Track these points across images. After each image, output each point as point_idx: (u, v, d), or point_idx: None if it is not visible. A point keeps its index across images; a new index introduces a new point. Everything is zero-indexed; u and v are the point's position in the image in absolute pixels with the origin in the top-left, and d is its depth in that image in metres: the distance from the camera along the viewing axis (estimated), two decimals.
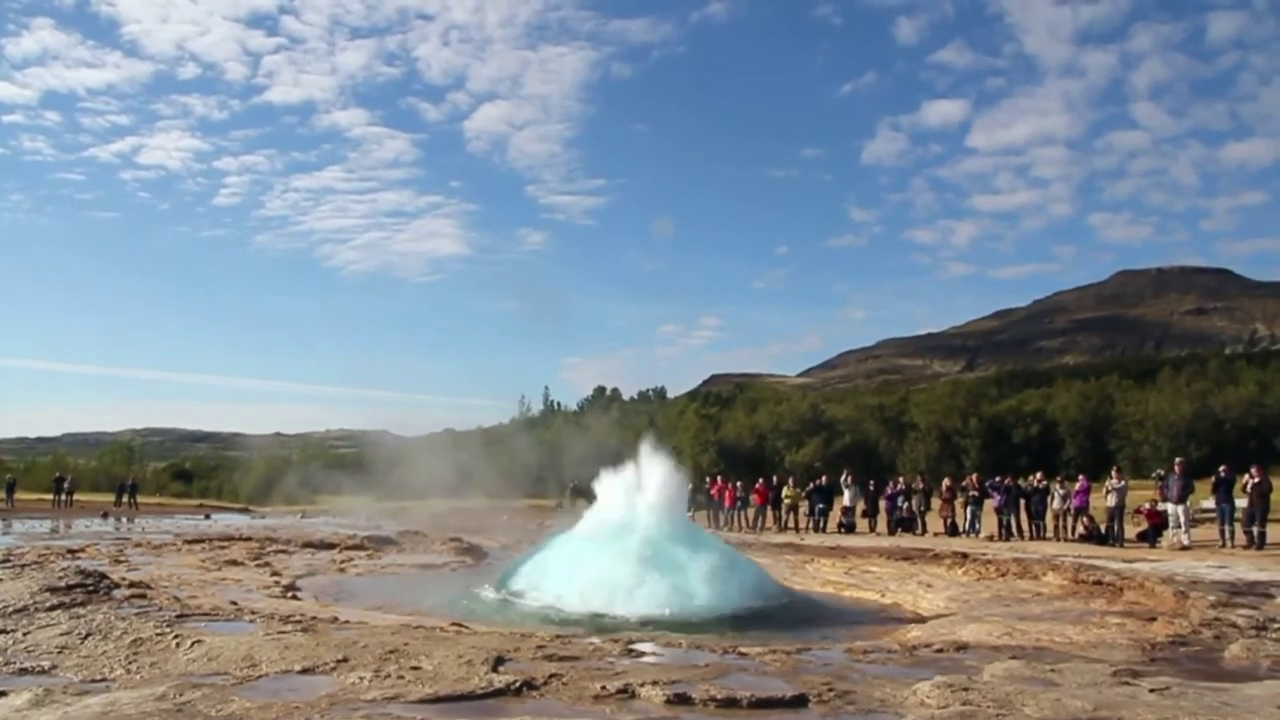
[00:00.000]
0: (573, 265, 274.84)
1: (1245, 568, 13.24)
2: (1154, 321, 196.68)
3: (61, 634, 6.83)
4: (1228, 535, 16.93)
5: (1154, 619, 9.04)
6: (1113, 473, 19.88)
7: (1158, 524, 18.02)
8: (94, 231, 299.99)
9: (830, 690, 5.43)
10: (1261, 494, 16.66)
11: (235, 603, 9.46)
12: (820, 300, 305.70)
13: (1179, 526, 17.27)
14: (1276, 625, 8.18)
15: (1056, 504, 19.93)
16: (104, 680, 5.56)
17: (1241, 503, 17.19)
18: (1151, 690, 5.53)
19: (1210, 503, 20.44)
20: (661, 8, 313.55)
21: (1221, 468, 17.73)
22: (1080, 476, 20.93)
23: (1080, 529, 18.97)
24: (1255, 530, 16.43)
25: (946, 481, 23.42)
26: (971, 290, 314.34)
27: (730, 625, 10.23)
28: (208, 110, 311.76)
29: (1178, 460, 19.29)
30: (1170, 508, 17.62)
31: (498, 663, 5.96)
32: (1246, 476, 16.99)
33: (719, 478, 28.84)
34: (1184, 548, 16.61)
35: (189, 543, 17.76)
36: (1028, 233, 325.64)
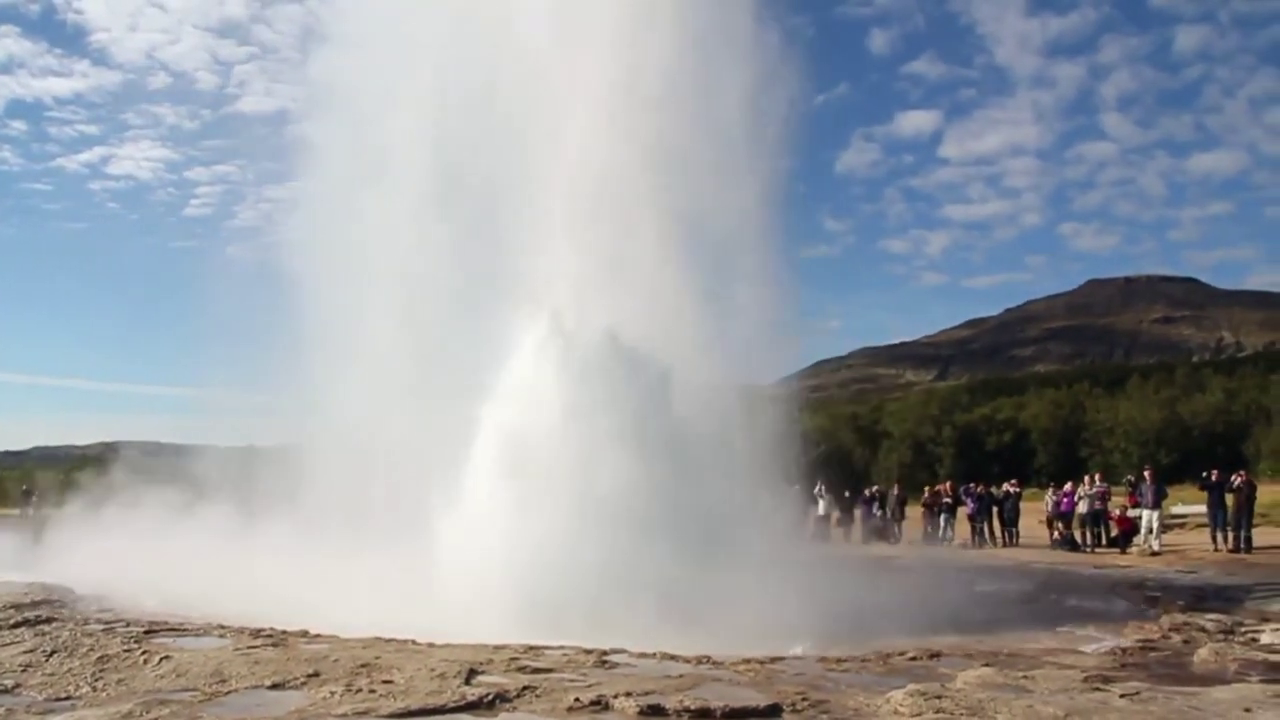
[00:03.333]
0: None
1: (1213, 573, 13.43)
2: (1123, 330, 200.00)
3: (25, 651, 6.70)
4: (1220, 539, 16.87)
5: (1124, 624, 9.13)
6: (1085, 480, 20.05)
7: (1128, 530, 18.18)
8: (62, 242, 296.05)
9: (804, 699, 5.43)
10: (1246, 499, 16.82)
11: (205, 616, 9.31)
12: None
13: (1150, 532, 17.42)
14: (1244, 629, 8.30)
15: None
16: (69, 699, 5.46)
17: None
18: (1122, 695, 5.59)
19: (1180, 508, 20.67)
20: None
21: (1214, 472, 17.47)
22: (1068, 484, 20.95)
23: (1055, 534, 19.08)
24: (1241, 534, 16.59)
25: (927, 489, 23.22)
26: (944, 299, 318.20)
27: None
28: (178, 119, 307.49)
29: (1146, 468, 19.45)
30: (1145, 514, 17.72)
31: (470, 675, 5.91)
32: (1235, 476, 17.05)
33: None
34: (1154, 553, 16.76)
35: None
36: (999, 242, 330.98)
